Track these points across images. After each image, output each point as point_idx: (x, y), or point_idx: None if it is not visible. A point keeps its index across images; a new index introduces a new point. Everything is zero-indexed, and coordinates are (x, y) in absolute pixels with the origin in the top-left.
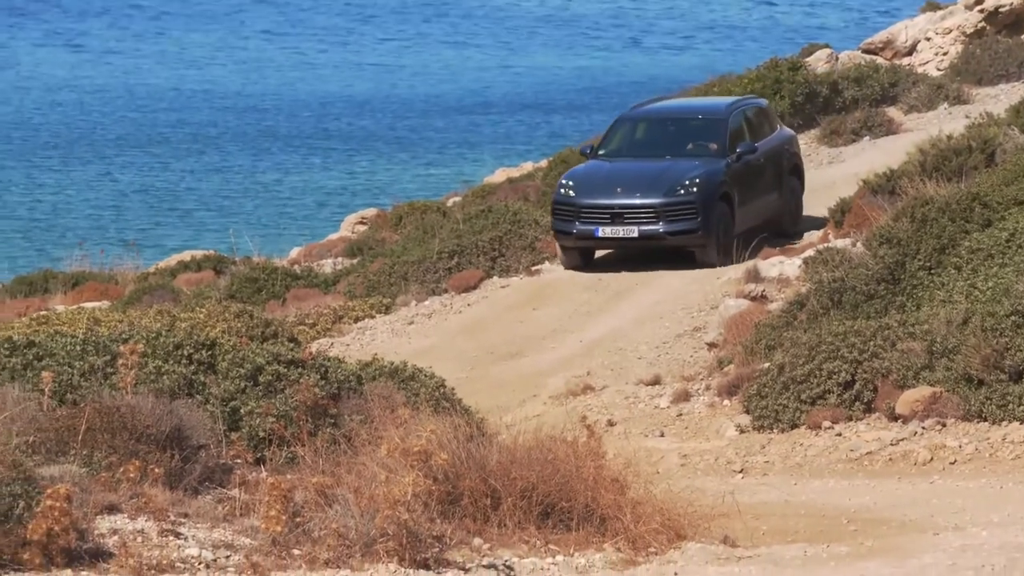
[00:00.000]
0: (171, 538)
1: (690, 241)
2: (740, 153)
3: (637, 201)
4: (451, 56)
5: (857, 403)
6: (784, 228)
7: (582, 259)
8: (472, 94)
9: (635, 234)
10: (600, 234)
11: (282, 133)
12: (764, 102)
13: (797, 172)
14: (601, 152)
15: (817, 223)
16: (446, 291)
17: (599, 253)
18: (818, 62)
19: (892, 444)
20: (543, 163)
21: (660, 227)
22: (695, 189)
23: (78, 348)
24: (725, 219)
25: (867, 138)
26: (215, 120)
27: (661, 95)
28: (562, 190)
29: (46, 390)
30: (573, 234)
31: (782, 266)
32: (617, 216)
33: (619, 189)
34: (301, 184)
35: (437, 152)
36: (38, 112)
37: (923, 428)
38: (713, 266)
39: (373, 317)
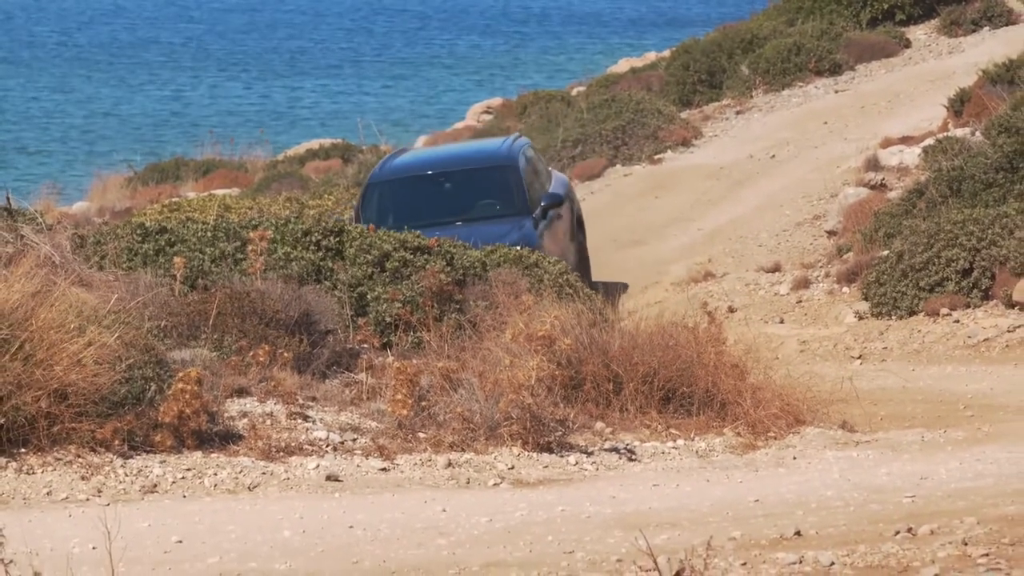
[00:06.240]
0: (299, 421)
1: None
2: (545, 207)
3: None
4: None
5: (975, 290)
6: None
7: None
8: None
9: None
10: None
11: (411, 28)
12: (528, 141)
13: (580, 224)
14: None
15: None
16: (570, 179)
17: None
18: None
19: (1009, 331)
20: (666, 53)
21: None
22: None
23: (209, 234)
24: None
25: (986, 28)
26: (330, 27)
27: (406, 146)
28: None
29: (178, 275)
30: None
31: (902, 155)
32: None
33: None
34: (427, 75)
35: (562, 42)
36: (163, 24)
37: None
38: None
39: None
